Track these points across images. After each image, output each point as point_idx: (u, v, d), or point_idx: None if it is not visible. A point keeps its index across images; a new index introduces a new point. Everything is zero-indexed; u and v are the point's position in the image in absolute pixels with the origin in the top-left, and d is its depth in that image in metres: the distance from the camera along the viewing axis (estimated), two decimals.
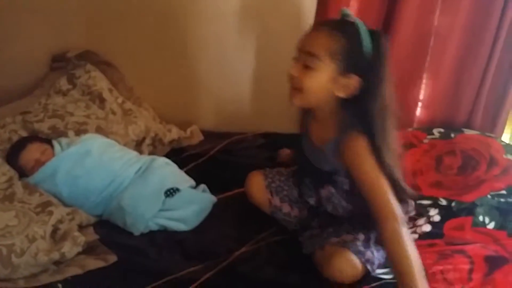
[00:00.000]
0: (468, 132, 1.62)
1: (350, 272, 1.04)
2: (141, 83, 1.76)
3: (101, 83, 1.64)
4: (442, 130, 1.61)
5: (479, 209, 1.28)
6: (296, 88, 1.04)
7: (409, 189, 1.09)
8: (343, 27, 1.00)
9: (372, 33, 0.99)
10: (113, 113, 1.57)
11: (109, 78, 1.69)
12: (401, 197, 1.06)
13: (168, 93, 1.79)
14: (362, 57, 0.98)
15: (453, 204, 1.32)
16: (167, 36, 1.67)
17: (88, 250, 1.13)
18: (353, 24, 0.99)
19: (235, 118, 1.84)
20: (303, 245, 1.19)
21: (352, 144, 1.01)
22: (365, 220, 1.08)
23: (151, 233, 1.23)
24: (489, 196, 1.32)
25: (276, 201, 1.27)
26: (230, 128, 1.80)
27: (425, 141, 1.57)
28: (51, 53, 1.72)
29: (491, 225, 1.24)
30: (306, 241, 1.19)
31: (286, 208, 1.27)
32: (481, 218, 1.26)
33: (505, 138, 1.80)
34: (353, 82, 1.00)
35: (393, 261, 0.93)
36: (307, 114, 1.18)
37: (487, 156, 1.47)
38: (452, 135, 1.59)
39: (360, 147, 1.00)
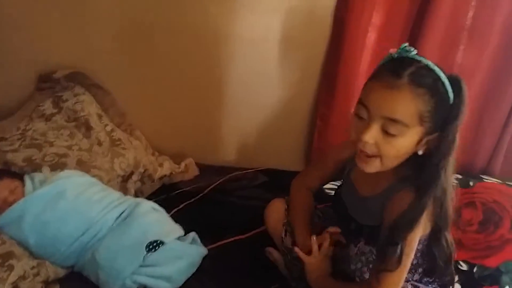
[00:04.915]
0: (487, 180, 1.56)
1: None
2: (134, 109, 1.64)
3: (90, 108, 1.51)
4: (460, 176, 1.52)
5: (505, 277, 1.20)
6: (371, 155, 0.89)
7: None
8: (425, 80, 0.84)
9: (453, 80, 0.86)
10: (99, 143, 1.43)
11: (100, 102, 1.57)
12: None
13: (163, 121, 1.68)
14: (448, 111, 0.85)
15: (475, 269, 1.23)
16: (163, 59, 1.56)
17: None
18: (432, 72, 0.85)
19: (236, 151, 1.73)
20: None
21: (402, 201, 0.89)
22: None
23: None
24: None
25: (288, 242, 1.15)
26: (229, 162, 1.70)
27: None
28: (38, 72, 1.59)
29: None
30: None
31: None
32: None
33: None
34: (435, 138, 0.87)
35: None
36: (351, 161, 1.04)
37: (510, 210, 1.38)
38: (471, 183, 1.51)
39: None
